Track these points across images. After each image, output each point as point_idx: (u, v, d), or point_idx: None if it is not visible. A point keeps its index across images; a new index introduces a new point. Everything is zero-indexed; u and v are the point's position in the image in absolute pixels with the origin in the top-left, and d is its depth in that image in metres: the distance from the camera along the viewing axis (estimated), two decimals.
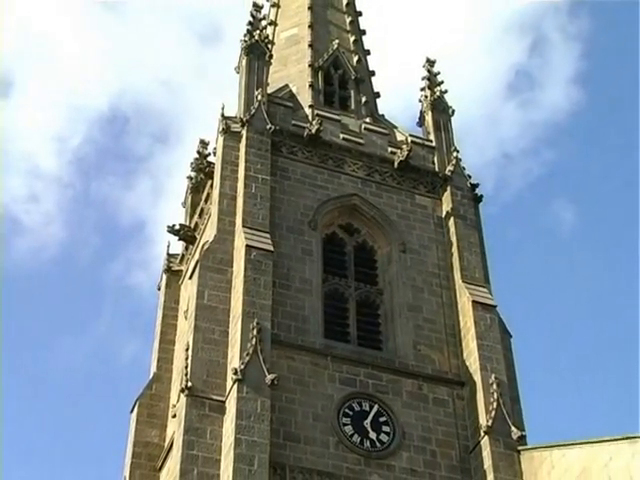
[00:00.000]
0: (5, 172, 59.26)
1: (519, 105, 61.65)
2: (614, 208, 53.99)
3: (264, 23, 27.78)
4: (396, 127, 27.16)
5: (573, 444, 17.93)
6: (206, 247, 22.16)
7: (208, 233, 23.37)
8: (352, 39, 29.80)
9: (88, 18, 62.04)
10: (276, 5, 30.83)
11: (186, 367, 19.55)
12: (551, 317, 53.30)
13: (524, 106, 60.40)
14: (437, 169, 25.57)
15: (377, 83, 29.55)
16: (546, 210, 56.07)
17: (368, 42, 30.47)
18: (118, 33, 62.98)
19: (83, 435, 48.84)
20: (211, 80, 57.42)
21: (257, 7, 27.53)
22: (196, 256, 23.85)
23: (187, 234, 26.38)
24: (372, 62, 29.93)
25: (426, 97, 27.61)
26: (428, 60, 28.59)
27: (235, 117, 24.60)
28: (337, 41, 28.75)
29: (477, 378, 20.89)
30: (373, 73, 29.61)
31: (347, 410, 20.16)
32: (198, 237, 25.75)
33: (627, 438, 16.24)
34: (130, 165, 63.80)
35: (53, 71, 62.22)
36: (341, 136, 25.22)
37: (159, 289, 26.81)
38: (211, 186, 24.80)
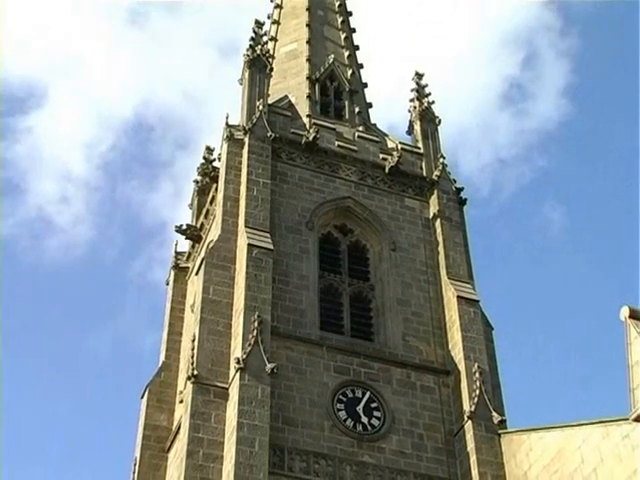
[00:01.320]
0: (39, 176, 60.52)
1: (513, 114, 62.02)
2: (600, 210, 54.66)
3: (265, 39, 27.76)
4: (387, 135, 27.12)
5: (549, 428, 17.95)
6: (211, 245, 22.20)
7: (213, 232, 23.36)
8: (346, 54, 29.75)
9: (116, 36, 62.78)
10: (276, 22, 30.81)
11: (192, 356, 19.57)
12: (532, 311, 53.63)
13: (517, 115, 60.87)
14: (425, 174, 25.55)
15: (369, 94, 29.65)
16: (537, 211, 56.70)
17: (361, 57, 30.53)
18: (143, 49, 63.51)
19: (102, 418, 49.12)
20: (229, 91, 57.61)
21: (259, 24, 27.56)
22: (202, 254, 23.81)
23: (193, 233, 26.35)
24: (365, 75, 30.03)
25: (415, 108, 27.59)
26: (417, 73, 28.57)
27: (238, 125, 24.58)
28: (333, 56, 28.69)
29: (461, 367, 20.92)
30: (366, 85, 29.62)
31: (341, 396, 20.17)
32: (204, 236, 25.72)
33: (598, 422, 16.28)
34: (153, 170, 63.74)
35: (84, 83, 62.62)
36: (336, 143, 25.20)
37: (167, 284, 26.73)
38: (216, 189, 24.78)
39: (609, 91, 56.55)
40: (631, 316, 14.91)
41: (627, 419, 14.87)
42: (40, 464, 47.61)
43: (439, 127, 27.32)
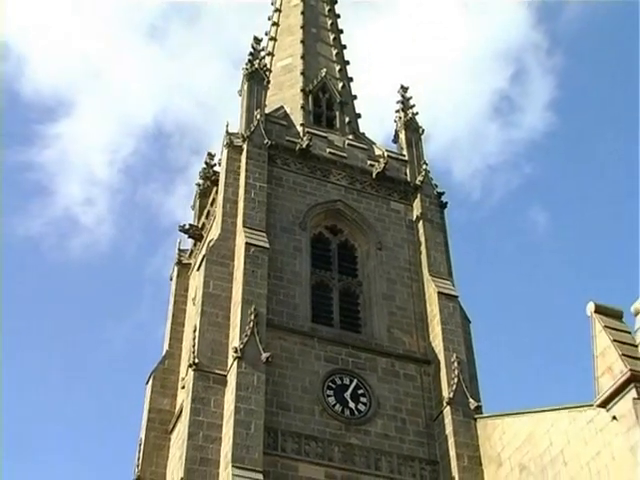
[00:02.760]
0: (66, 179, 61.17)
1: (502, 125, 62.35)
2: (581, 214, 55.25)
3: (263, 54, 27.70)
4: (374, 143, 27.04)
5: (521, 413, 18.01)
6: (211, 244, 22.15)
7: (213, 232, 23.31)
8: (337, 68, 29.68)
9: (137, 49, 62.97)
10: (273, 39, 30.75)
11: (194, 346, 19.57)
12: (512, 306, 54.04)
13: (506, 126, 61.06)
14: (409, 179, 25.53)
15: (359, 106, 29.60)
16: (523, 214, 57.23)
17: (351, 71, 30.50)
18: (162, 62, 63.38)
19: (114, 404, 49.26)
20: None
21: (257, 40, 27.47)
22: (203, 251, 23.74)
23: (195, 233, 26.29)
24: (355, 88, 29.99)
25: (400, 118, 27.58)
26: (402, 87, 28.53)
27: (237, 133, 24.55)
28: (325, 70, 28.62)
29: (441, 357, 20.94)
30: (355, 97, 29.52)
31: (330, 384, 20.18)
32: (205, 235, 25.66)
33: (566, 408, 16.37)
34: (170, 174, 63.85)
35: (108, 94, 62.80)
36: (327, 150, 25.18)
37: (171, 279, 26.67)
38: (216, 192, 24.73)
39: (590, 105, 57.71)
40: (596, 311, 15.01)
41: (592, 405, 14.98)
42: (57, 441, 48.58)
43: (422, 136, 27.29)
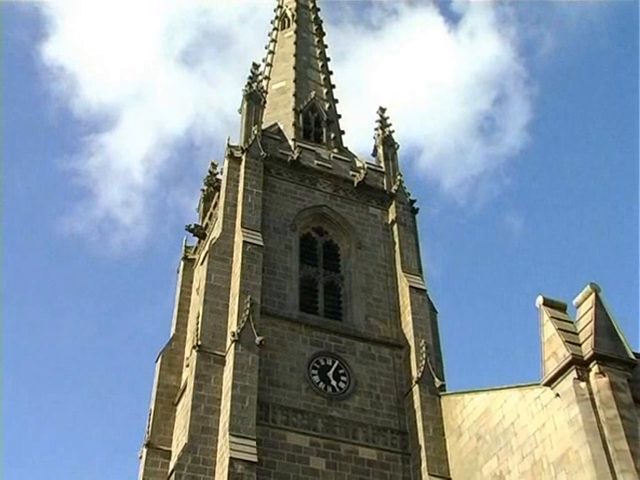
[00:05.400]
0: (108, 184, 60.53)
1: (485, 142, 62.83)
2: (552, 220, 56.18)
3: (260, 78, 27.72)
4: (356, 156, 27.02)
5: (479, 391, 18.12)
6: (213, 242, 22.20)
7: (215, 231, 23.29)
8: (325, 91, 29.65)
9: (172, 72, 63.45)
10: (269, 65, 30.72)
11: (197, 330, 19.62)
12: (475, 298, 54.62)
13: (489, 143, 61.96)
14: (385, 188, 25.53)
15: (343, 124, 29.61)
16: (502, 219, 58.53)
17: (337, 94, 30.54)
18: (192, 81, 63.95)
19: (131, 380, 49.64)
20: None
21: (255, 66, 27.39)
22: (206, 248, 23.79)
23: (199, 232, 26.17)
24: (340, 109, 30.03)
25: (379, 135, 27.52)
26: (381, 108, 28.49)
27: (237, 146, 24.51)
28: (314, 92, 28.65)
29: (411, 342, 21.00)
30: (340, 116, 29.41)
31: (315, 364, 20.23)
32: (208, 234, 25.59)
33: (516, 387, 16.56)
34: (198, 181, 63.96)
35: (146, 110, 63.45)
36: (315, 162, 25.18)
37: (178, 272, 26.51)
38: (218, 197, 24.72)
39: (561, 128, 59.07)
40: (544, 304, 15.24)
41: (539, 384, 15.18)
42: (83, 407, 49.02)
43: (397, 151, 27.23)
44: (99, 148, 64.36)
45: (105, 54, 62.61)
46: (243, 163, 23.69)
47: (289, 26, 32.16)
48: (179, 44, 65.13)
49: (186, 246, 26.94)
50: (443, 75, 61.35)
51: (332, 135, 27.81)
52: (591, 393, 13.75)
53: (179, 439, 19.92)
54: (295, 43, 30.98)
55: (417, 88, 61.13)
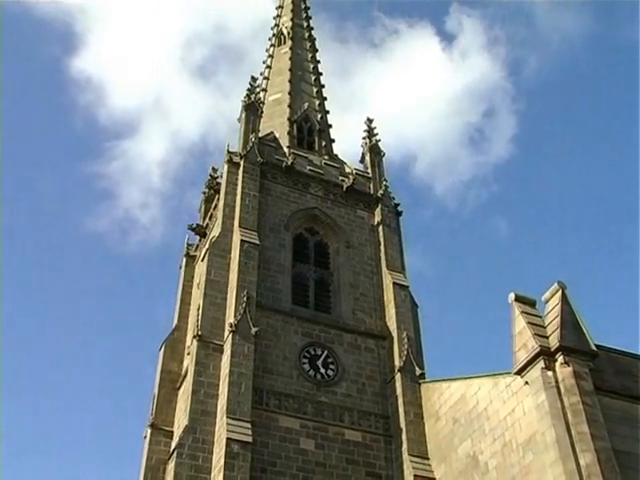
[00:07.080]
0: (129, 186, 60.99)
1: (474, 151, 63.20)
2: (535, 224, 56.74)
3: (258, 90, 27.72)
4: (345, 163, 27.07)
5: (455, 379, 18.22)
6: (213, 240, 22.17)
7: (215, 230, 23.23)
8: (317, 103, 29.66)
9: (189, 83, 63.71)
10: (267, 78, 30.72)
11: (197, 321, 19.65)
12: (454, 293, 54.86)
13: (478, 153, 62.51)
14: (372, 192, 25.57)
15: (334, 133, 29.66)
16: (489, 222, 59.00)
17: (331, 105, 30.56)
18: (207, 92, 64.24)
19: (142, 366, 49.68)
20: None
21: (253, 79, 27.36)
22: (206, 246, 23.65)
23: (201, 230, 26.16)
24: (331, 119, 30.06)
25: (366, 143, 27.55)
26: (368, 119, 28.52)
27: (236, 152, 24.51)
28: (307, 104, 28.69)
29: (394, 334, 21.07)
30: (331, 126, 29.42)
31: (306, 354, 20.28)
32: (208, 233, 25.54)
33: (490, 375, 16.66)
34: None
35: (165, 118, 63.75)
36: (308, 168, 25.18)
37: (180, 268, 26.43)
38: (218, 199, 24.71)
39: (544, 141, 59.65)
40: (516, 300, 15.36)
41: (510, 373, 15.28)
42: (92, 388, 48.91)
43: (384, 158, 27.31)
44: (121, 153, 64.63)
45: (128, 67, 63.11)
46: (241, 168, 23.71)
47: (285, 43, 32.18)
48: (196, 58, 65.50)
49: (188, 244, 26.84)
50: (438, 89, 62.25)
51: (323, 143, 27.85)
52: (557, 381, 13.88)
53: (180, 421, 19.92)
54: (290, 59, 30.99)
55: (414, 101, 61.89)
